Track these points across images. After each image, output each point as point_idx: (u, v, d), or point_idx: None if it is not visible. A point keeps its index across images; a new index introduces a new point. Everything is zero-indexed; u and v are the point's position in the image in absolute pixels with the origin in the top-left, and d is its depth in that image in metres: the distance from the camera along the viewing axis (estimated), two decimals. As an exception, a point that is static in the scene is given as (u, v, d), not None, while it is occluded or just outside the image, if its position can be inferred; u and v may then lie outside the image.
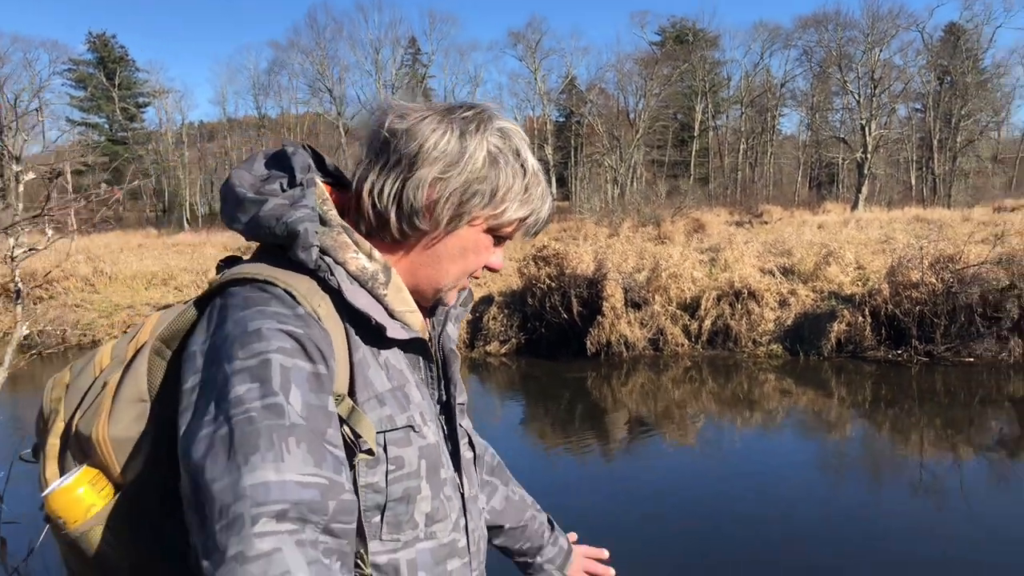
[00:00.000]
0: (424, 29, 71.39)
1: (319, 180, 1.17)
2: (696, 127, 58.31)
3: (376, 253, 1.15)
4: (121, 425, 1.05)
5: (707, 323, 11.91)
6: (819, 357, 11.12)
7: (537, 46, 57.72)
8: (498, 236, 1.21)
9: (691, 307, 12.24)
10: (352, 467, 1.04)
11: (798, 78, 57.62)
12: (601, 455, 8.04)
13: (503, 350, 12.50)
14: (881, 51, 48.80)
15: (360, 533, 1.05)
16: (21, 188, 2.20)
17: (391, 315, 1.14)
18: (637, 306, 12.04)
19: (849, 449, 8.18)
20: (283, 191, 1.11)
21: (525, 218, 1.19)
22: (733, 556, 5.23)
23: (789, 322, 11.69)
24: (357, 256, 1.13)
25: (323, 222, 1.13)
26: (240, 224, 1.12)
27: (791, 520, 5.79)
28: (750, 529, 5.63)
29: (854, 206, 38.22)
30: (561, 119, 61.61)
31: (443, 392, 1.25)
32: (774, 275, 12.56)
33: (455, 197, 1.13)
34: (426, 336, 1.23)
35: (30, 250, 2.24)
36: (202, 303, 1.11)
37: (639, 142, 52.08)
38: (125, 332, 1.22)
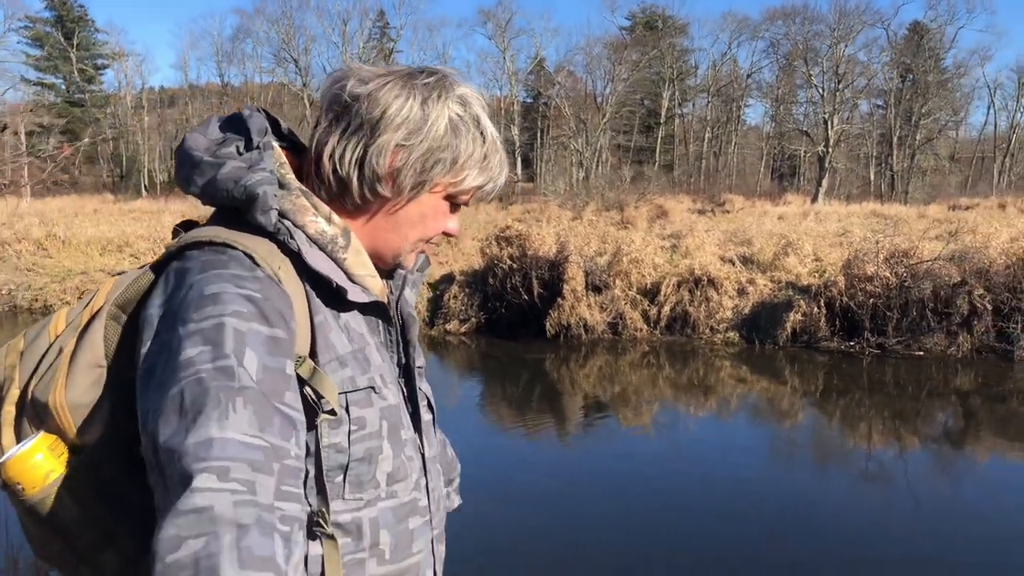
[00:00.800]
0: (393, 2, 70.58)
1: (276, 144, 1.16)
2: (663, 114, 58.55)
3: (335, 217, 1.15)
4: (78, 390, 1.06)
5: (666, 309, 12.02)
6: (774, 346, 11.29)
7: (507, 25, 57.39)
8: (455, 203, 1.22)
9: (651, 293, 12.33)
10: (315, 427, 1.05)
11: (764, 70, 58.13)
12: (557, 436, 8.11)
13: (463, 329, 12.49)
14: (846, 46, 49.34)
15: (322, 493, 1.06)
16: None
17: (351, 279, 1.15)
18: (598, 290, 12.09)
19: (799, 437, 8.34)
20: (240, 154, 1.11)
21: (483, 186, 1.20)
22: (676, 540, 5.33)
23: (747, 311, 11.84)
24: (316, 219, 1.13)
25: (281, 185, 1.12)
26: (196, 187, 1.11)
27: (738, 506, 5.89)
28: (696, 514, 5.77)
29: (814, 199, 38.73)
30: (528, 100, 61.40)
31: (403, 355, 1.26)
32: (734, 264, 12.71)
33: (418, 164, 1.13)
34: (385, 300, 1.24)
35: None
36: (159, 268, 1.10)
37: (605, 126, 52.16)
38: (80, 298, 1.22)
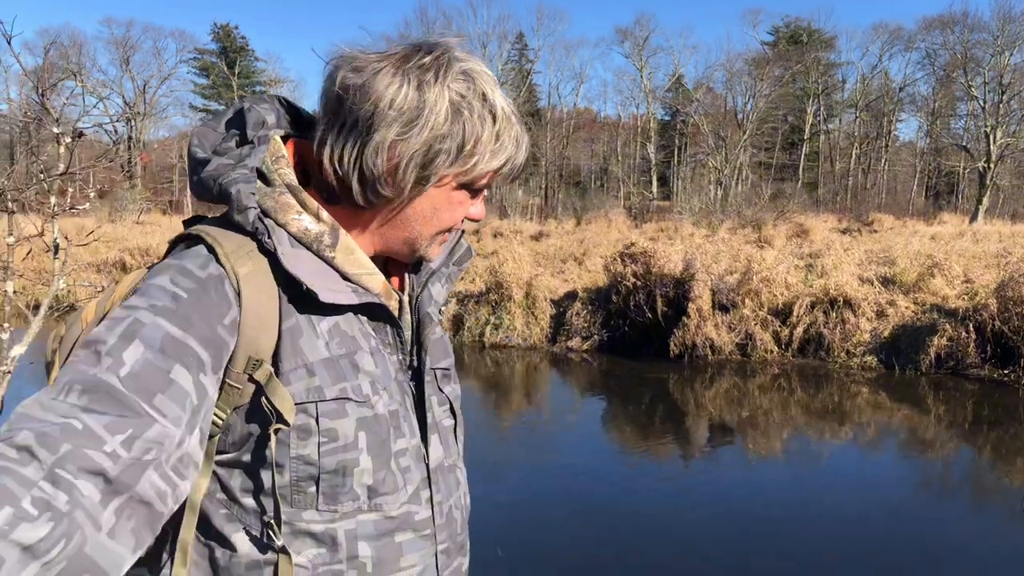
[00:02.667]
0: (532, 25, 71.69)
1: (277, 136, 1.12)
2: (807, 130, 56.48)
3: (324, 214, 1.10)
4: None
5: (799, 330, 11.48)
6: (916, 372, 10.55)
7: (645, 43, 57.04)
8: (474, 189, 1.13)
9: (783, 313, 11.82)
10: (267, 436, 1.02)
11: (919, 82, 55.03)
12: (680, 460, 7.83)
13: (585, 346, 12.37)
14: (1011, 55, 46.06)
15: (289, 503, 1.04)
16: (62, 150, 2.27)
17: (345, 277, 1.10)
18: (725, 309, 11.71)
19: (947, 471, 7.71)
20: (234, 148, 1.09)
21: (500, 168, 1.11)
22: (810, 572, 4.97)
23: (886, 334, 11.14)
24: (300, 218, 1.08)
25: (267, 182, 1.09)
26: (191, 183, 1.10)
27: (874, 545, 5.47)
28: (834, 549, 5.34)
29: (973, 218, 36.23)
30: (666, 118, 60.67)
31: (415, 357, 1.19)
32: (873, 284, 12.00)
33: (417, 159, 1.05)
34: (392, 299, 1.17)
35: (71, 208, 2.32)
36: None
37: (746, 143, 50.83)
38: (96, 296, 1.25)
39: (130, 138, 55.00)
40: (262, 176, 1.09)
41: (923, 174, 54.95)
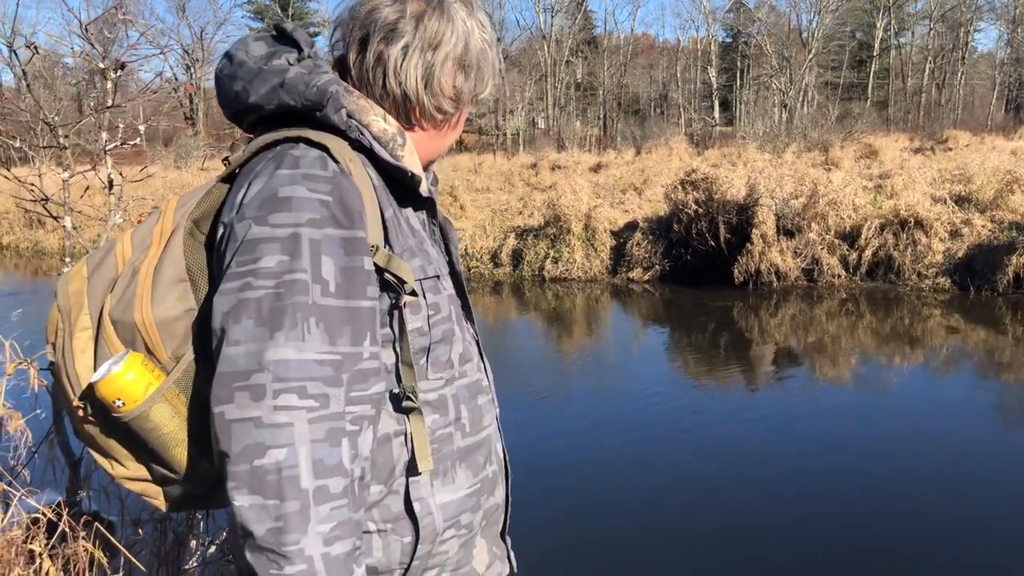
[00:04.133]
0: (587, -50, 69.34)
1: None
2: (876, 46, 53.94)
3: (390, 118, 1.20)
4: (165, 306, 1.11)
5: (867, 253, 11.17)
6: (993, 292, 10.19)
7: (704, -38, 54.80)
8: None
9: (850, 237, 11.50)
10: (399, 308, 1.12)
11: (999, -12, 51.81)
12: (746, 388, 7.76)
13: (646, 277, 12.26)
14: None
15: (410, 372, 1.14)
16: (109, 85, 2.30)
17: None
18: (790, 234, 11.43)
19: (1024, 393, 7.48)
20: (291, 64, 1.14)
21: (500, 83, 1.34)
22: (884, 508, 4.76)
23: (960, 254, 10.75)
24: (377, 119, 1.17)
25: None
26: (256, 95, 1.14)
27: (953, 470, 5.31)
28: (909, 480, 5.20)
29: (1057, 131, 34.37)
30: (727, 40, 58.59)
31: (446, 252, 1.33)
32: (946, 203, 11.54)
33: (472, 81, 1.23)
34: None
35: (122, 143, 2.35)
36: (230, 180, 1.15)
37: (812, 63, 48.87)
38: (138, 221, 1.26)
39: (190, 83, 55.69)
40: None
41: (1003, 87, 52.07)
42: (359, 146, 1.14)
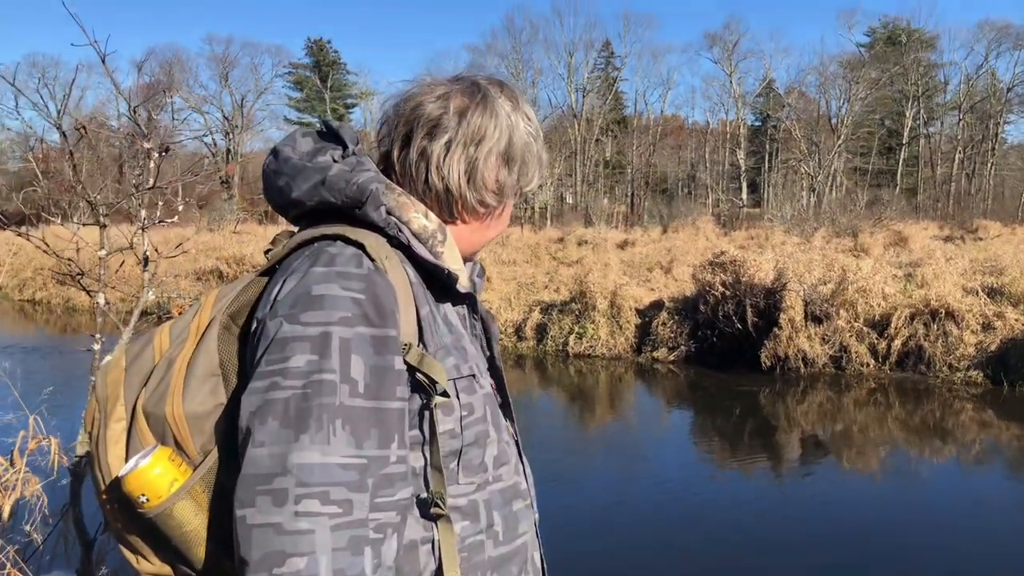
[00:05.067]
0: (619, 31, 71.02)
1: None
2: (905, 134, 54.34)
3: (431, 215, 1.20)
4: (196, 400, 1.09)
5: (897, 343, 11.00)
6: (1027, 389, 9.97)
7: (734, 48, 55.90)
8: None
9: (880, 325, 11.36)
10: (430, 410, 1.10)
11: (1029, 82, 52.20)
12: (772, 475, 7.59)
13: (671, 357, 12.15)
14: None
15: (439, 476, 1.11)
16: (152, 164, 2.34)
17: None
18: (819, 320, 11.32)
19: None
20: (335, 161, 1.17)
21: (538, 185, 1.31)
22: None
23: (993, 347, 10.56)
24: (418, 216, 1.17)
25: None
26: (299, 191, 1.18)
27: (983, 564, 5.15)
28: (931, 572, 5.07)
29: (1089, 224, 34.12)
30: (757, 123, 59.34)
31: (487, 348, 1.31)
32: (978, 295, 11.40)
33: (515, 175, 1.24)
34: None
35: (160, 221, 2.40)
36: (269, 273, 1.15)
37: (840, 148, 49.28)
38: (179, 314, 1.27)
39: (228, 151, 57.12)
40: None
41: (1033, 178, 52.11)
42: (397, 243, 1.15)
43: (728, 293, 11.63)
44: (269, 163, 1.21)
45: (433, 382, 1.08)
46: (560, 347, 12.90)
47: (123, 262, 2.47)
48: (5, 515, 2.36)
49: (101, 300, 2.33)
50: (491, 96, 1.21)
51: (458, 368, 1.14)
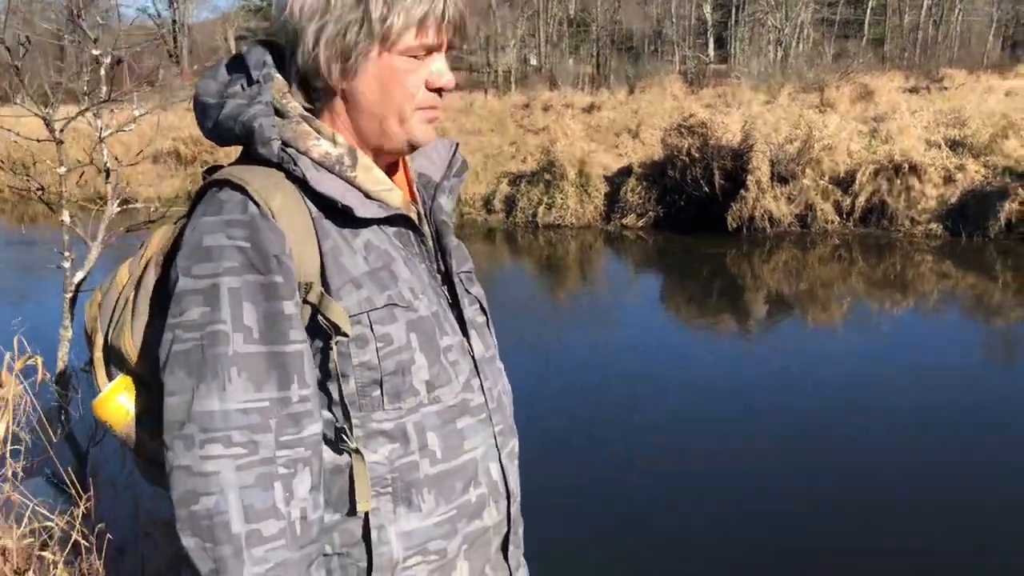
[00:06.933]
0: None
1: (277, 74, 1.16)
2: (874, -20, 52.98)
3: (340, 138, 1.16)
4: (140, 335, 1.17)
5: (861, 199, 11.17)
6: (984, 238, 10.24)
7: None
8: (418, 53, 1.14)
9: (845, 182, 11.49)
10: (330, 348, 1.11)
11: (1000, -80, 50.65)
12: (739, 335, 7.85)
13: (640, 223, 12.25)
14: None
15: (357, 407, 1.13)
16: (102, 72, 2.25)
17: (367, 195, 1.16)
18: (784, 180, 11.41)
19: (1016, 337, 7.57)
20: (243, 90, 1.14)
21: (422, 18, 1.11)
22: (878, 454, 4.86)
23: (953, 200, 10.77)
24: (319, 143, 1.14)
25: (281, 114, 1.14)
26: (205, 130, 1.17)
27: (943, 414, 5.43)
28: (899, 421, 5.32)
29: (1053, 68, 34.01)
30: (723, -26, 57.43)
31: (441, 263, 1.27)
32: (941, 148, 11.50)
33: (337, 42, 1.10)
34: (412, 211, 1.24)
35: (117, 130, 2.33)
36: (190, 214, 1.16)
37: (808, -1, 48.03)
38: (148, 223, 1.29)
39: (174, 22, 54.47)
40: (276, 110, 1.14)
41: (1000, 24, 51.45)
42: (293, 177, 1.11)
43: (696, 156, 11.63)
44: (195, 95, 1.18)
45: (333, 324, 1.09)
46: (529, 218, 12.92)
47: (82, 173, 2.41)
48: (0, 434, 2.42)
49: (66, 217, 2.30)
50: None
51: (370, 300, 1.12)
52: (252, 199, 1.08)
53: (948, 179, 11.00)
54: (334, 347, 1.11)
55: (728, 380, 6.22)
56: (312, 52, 1.12)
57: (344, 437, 1.13)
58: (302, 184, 1.11)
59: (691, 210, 11.86)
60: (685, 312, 8.77)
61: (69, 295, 2.22)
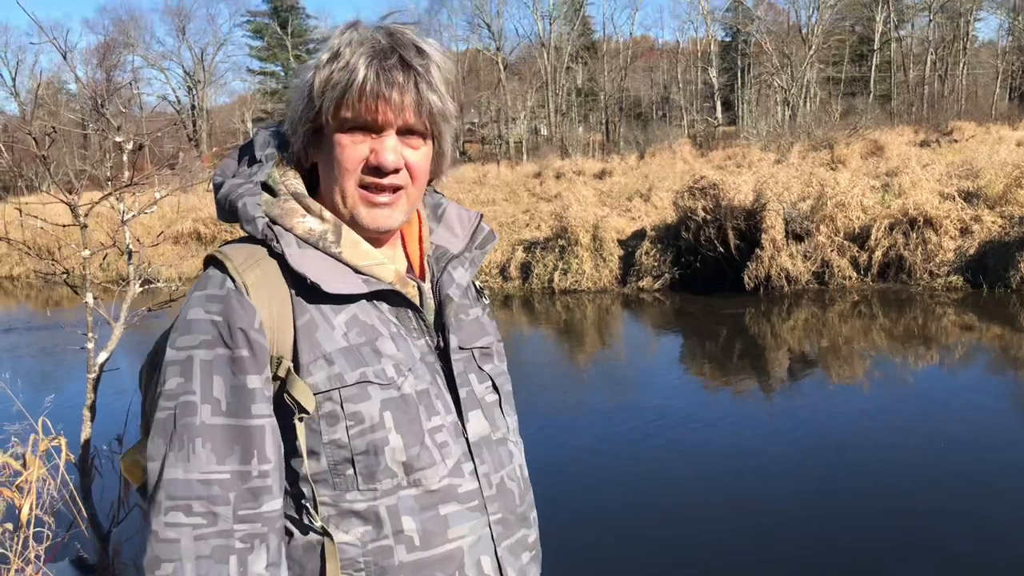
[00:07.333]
0: (582, -46, 69.30)
1: (279, 154, 1.21)
2: (876, 39, 53.80)
3: (327, 214, 1.17)
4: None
5: (877, 254, 11.14)
6: (1006, 289, 10.14)
7: (700, -37, 54.76)
8: (351, 127, 1.13)
9: (860, 237, 11.47)
10: (297, 425, 1.10)
11: (998, -24, 51.54)
12: (761, 394, 7.73)
13: (656, 285, 12.25)
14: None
15: (329, 486, 1.12)
16: (125, 157, 2.31)
17: (356, 270, 1.16)
18: (799, 238, 11.41)
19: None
20: (246, 170, 1.20)
21: (339, 82, 1.11)
22: (899, 509, 4.75)
23: (971, 251, 10.71)
24: (305, 220, 1.16)
25: (274, 193, 1.18)
26: (218, 212, 1.22)
27: (969, 468, 5.30)
28: (926, 474, 5.20)
29: (1062, 118, 34.16)
30: (727, 39, 58.56)
31: (440, 339, 1.23)
32: (955, 200, 11.50)
33: (301, 117, 1.16)
34: (408, 286, 1.22)
35: (139, 213, 2.38)
36: None
37: (812, 59, 48.79)
38: (170, 301, 1.34)
39: (193, 107, 55.97)
40: (269, 189, 1.18)
41: (1006, 75, 51.95)
42: (274, 253, 1.13)
43: (709, 218, 11.68)
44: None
45: (296, 401, 1.09)
46: (546, 284, 12.95)
47: (105, 256, 2.46)
48: (24, 516, 2.42)
49: (89, 299, 2.34)
50: (323, 49, 1.14)
51: (341, 377, 1.10)
52: (229, 275, 1.11)
53: (965, 231, 10.97)
54: (297, 424, 1.10)
55: (748, 438, 6.11)
56: (292, 129, 1.18)
57: (310, 518, 1.12)
58: (282, 260, 1.13)
59: (707, 271, 11.86)
60: (706, 372, 8.68)
61: (93, 375, 2.25)
